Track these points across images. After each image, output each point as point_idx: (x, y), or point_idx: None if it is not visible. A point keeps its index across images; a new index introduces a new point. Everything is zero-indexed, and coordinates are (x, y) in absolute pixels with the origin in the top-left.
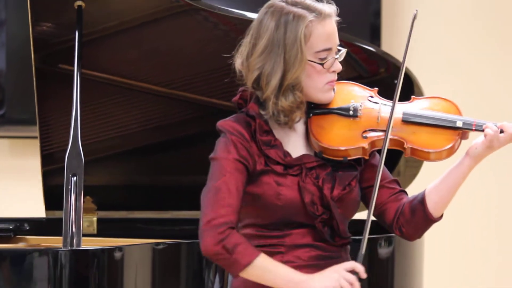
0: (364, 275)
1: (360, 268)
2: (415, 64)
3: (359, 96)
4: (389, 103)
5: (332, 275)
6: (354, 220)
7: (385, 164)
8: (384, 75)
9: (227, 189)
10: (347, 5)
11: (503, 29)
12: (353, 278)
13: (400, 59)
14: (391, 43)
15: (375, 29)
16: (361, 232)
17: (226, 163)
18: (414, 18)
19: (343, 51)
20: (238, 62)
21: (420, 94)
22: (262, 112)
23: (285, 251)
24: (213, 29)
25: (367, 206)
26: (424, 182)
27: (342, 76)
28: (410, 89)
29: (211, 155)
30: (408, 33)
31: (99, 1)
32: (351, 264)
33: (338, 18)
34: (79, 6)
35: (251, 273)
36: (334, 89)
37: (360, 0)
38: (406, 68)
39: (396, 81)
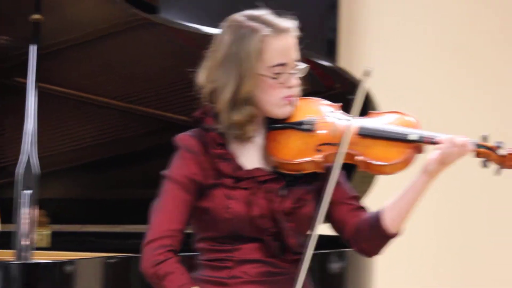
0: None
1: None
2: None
3: (317, 110)
4: (347, 117)
5: None
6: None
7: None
8: (340, 90)
9: (172, 209)
10: (304, 20)
11: (458, 44)
12: None
13: (356, 73)
14: (348, 58)
15: (332, 45)
16: (319, 247)
17: (174, 182)
18: (366, 75)
19: (303, 66)
20: (200, 76)
21: (375, 109)
22: (217, 126)
23: (232, 266)
24: (170, 43)
25: (328, 221)
26: (379, 198)
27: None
28: (366, 104)
29: (164, 171)
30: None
31: (56, 15)
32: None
33: (298, 33)
34: (36, 20)
35: None
36: (293, 104)
37: (317, 16)
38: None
39: (351, 97)
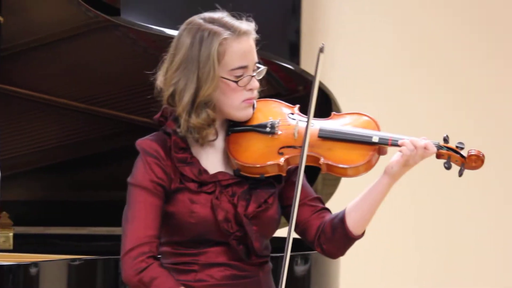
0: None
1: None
2: (332, 80)
3: (278, 113)
4: (310, 119)
5: None
6: (275, 238)
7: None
8: (303, 93)
9: (144, 216)
10: (267, 23)
11: (419, 45)
12: None
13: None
14: (311, 61)
15: (294, 47)
16: (282, 249)
17: (142, 189)
18: (320, 51)
19: (262, 68)
20: (159, 78)
21: (338, 111)
22: (178, 130)
23: (198, 269)
24: (132, 45)
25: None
26: (342, 201)
27: (261, 94)
28: (328, 107)
29: (129, 179)
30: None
31: (17, 16)
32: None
33: (256, 36)
34: None
35: None
36: (253, 107)
37: (280, 18)
38: (324, 85)
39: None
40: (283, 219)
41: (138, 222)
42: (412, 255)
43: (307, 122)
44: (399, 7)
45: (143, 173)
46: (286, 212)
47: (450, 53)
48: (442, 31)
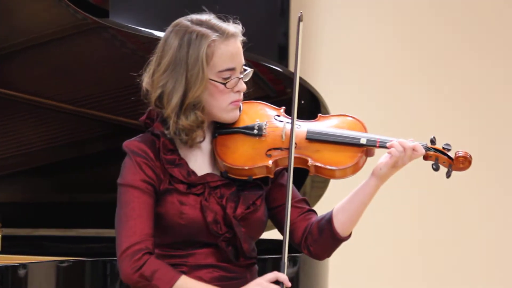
0: (288, 283)
1: (283, 277)
2: (321, 82)
3: (265, 115)
4: (297, 122)
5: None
6: (261, 240)
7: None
8: (291, 95)
9: (138, 215)
10: (255, 25)
11: (409, 46)
12: None
13: (308, 79)
14: (300, 63)
15: (283, 50)
16: (268, 251)
17: (134, 188)
18: (300, 20)
19: (249, 71)
20: (145, 80)
21: (326, 113)
22: (166, 131)
23: (187, 271)
24: (120, 47)
25: (276, 225)
26: (330, 203)
27: (250, 96)
28: (317, 109)
29: (118, 180)
30: (296, 37)
31: (4, 17)
32: (274, 274)
33: (243, 38)
34: None
35: None
36: (240, 109)
37: (269, 21)
38: (312, 87)
39: (303, 101)
40: (269, 222)
41: (132, 221)
42: (400, 256)
43: (292, 120)
44: (387, 9)
45: (133, 173)
46: (272, 214)
47: (443, 55)
48: (435, 33)
